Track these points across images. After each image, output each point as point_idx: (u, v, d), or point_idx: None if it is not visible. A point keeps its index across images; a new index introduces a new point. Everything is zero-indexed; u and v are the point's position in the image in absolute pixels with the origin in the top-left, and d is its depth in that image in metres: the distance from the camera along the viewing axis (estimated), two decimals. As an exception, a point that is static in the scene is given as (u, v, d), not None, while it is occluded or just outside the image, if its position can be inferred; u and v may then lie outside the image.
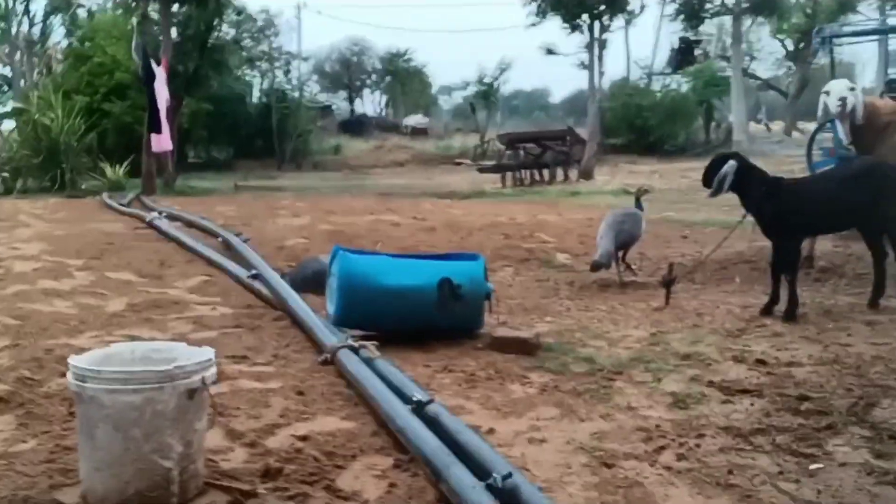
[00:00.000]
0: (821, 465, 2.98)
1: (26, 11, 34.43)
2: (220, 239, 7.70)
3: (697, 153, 29.81)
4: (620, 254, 6.91)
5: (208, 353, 2.62)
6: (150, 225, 8.97)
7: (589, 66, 25.70)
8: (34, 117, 19.75)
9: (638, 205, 7.22)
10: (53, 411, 3.32)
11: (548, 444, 3.18)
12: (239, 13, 26.80)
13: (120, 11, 26.82)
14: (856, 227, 5.91)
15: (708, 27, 37.74)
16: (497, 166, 21.38)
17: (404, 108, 52.57)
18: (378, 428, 3.22)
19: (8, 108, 30.67)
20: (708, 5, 25.11)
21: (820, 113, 6.66)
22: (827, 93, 6.40)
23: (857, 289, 6.27)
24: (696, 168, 22.36)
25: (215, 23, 20.62)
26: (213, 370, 2.58)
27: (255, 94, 35.75)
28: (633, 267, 7.19)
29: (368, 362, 3.83)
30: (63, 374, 2.84)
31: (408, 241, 8.90)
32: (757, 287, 6.68)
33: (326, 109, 45.12)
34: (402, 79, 50.36)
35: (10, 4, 33.47)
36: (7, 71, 35.59)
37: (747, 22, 27.92)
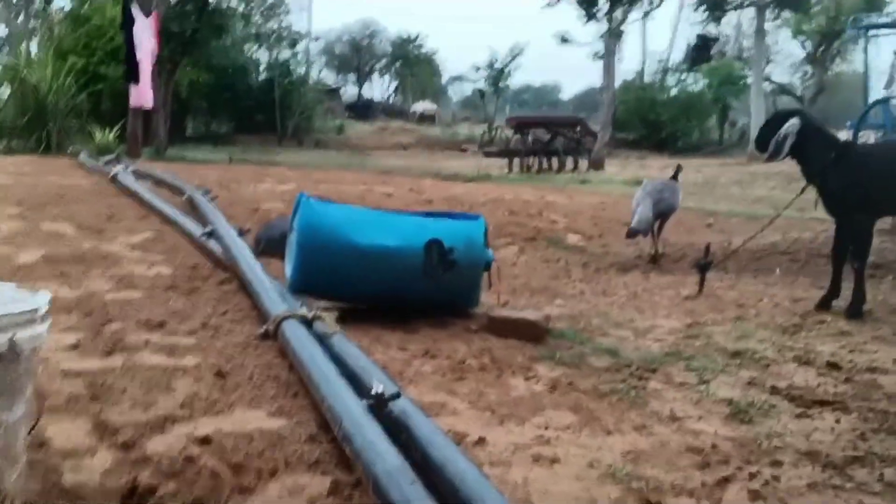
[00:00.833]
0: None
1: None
2: (185, 197, 6.70)
3: (711, 151, 28.82)
4: (656, 226, 6.25)
5: (38, 299, 1.65)
6: (113, 179, 7.98)
7: (605, 56, 24.67)
8: (21, 76, 18.85)
9: (675, 178, 6.48)
10: None
11: (561, 467, 2.21)
12: None
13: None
14: None
15: (725, 28, 36.65)
16: (504, 151, 20.33)
17: (413, 95, 51.64)
18: (318, 430, 2.25)
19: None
20: (731, -4, 23.96)
21: (886, 79, 5.63)
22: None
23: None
24: (710, 164, 21.42)
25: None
26: (40, 329, 1.61)
27: (261, 69, 34.79)
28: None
29: (322, 338, 2.86)
30: None
31: (401, 212, 7.90)
32: (803, 279, 5.70)
33: (334, 92, 44.31)
34: (412, 65, 49.43)
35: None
36: (2, 30, 34.53)
37: (770, 16, 26.77)
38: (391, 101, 53.26)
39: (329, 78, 48.67)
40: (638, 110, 32.30)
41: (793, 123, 4.44)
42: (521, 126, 20.68)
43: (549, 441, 2.39)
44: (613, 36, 24.89)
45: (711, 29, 34.88)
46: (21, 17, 32.57)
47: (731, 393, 2.96)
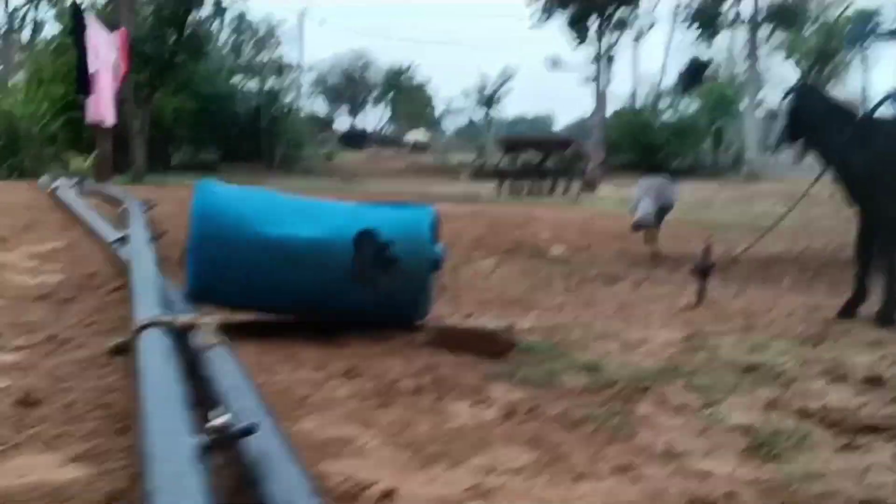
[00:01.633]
0: None
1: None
2: (121, 208, 5.99)
3: (706, 175, 28.35)
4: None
5: None
6: (52, 194, 7.28)
7: (596, 78, 24.29)
8: (-5, 102, 18.43)
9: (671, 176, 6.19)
10: None
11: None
12: (217, 6, 25.11)
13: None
14: None
15: (717, 54, 36.40)
16: (493, 172, 19.68)
17: (406, 125, 51.47)
18: (130, 484, 1.50)
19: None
20: (724, 15, 23.56)
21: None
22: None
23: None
24: (706, 187, 20.82)
25: (194, 6, 19.04)
26: None
27: (249, 97, 34.48)
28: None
29: (196, 353, 2.12)
30: None
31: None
32: (818, 287, 4.98)
33: (327, 122, 44.16)
34: (406, 95, 49.32)
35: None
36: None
37: (763, 36, 26.42)
38: (385, 131, 53.16)
39: (322, 108, 48.55)
40: (631, 134, 31.89)
41: (788, 100, 3.75)
42: (511, 146, 20.06)
43: (489, 492, 1.65)
44: (604, 59, 24.53)
45: (703, 52, 34.68)
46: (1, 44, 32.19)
47: (747, 418, 2.21)
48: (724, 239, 7.77)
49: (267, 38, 39.72)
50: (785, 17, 22.77)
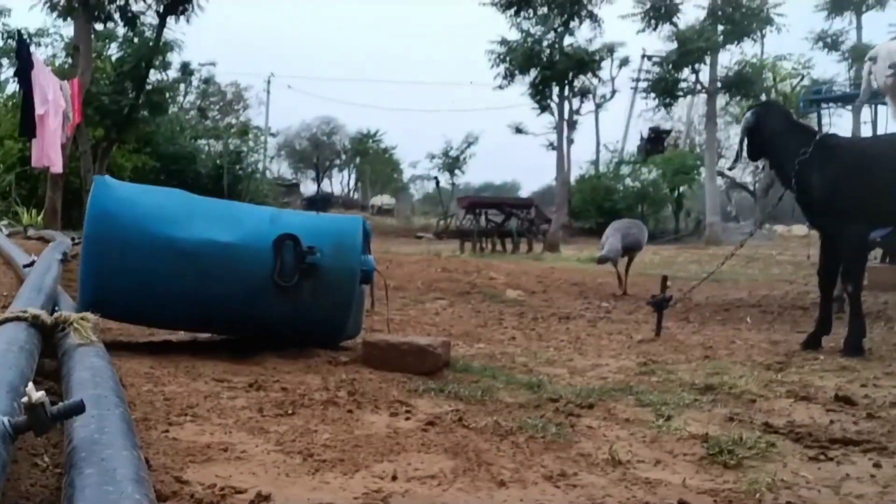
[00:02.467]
0: None
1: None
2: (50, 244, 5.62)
3: (667, 240, 28.62)
4: (625, 264, 6.78)
5: None
6: (-20, 234, 6.87)
7: (557, 147, 24.61)
8: (-57, 157, 18.05)
9: (642, 219, 6.12)
10: None
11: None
12: (185, 69, 25.12)
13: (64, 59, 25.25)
14: None
15: (677, 124, 37.27)
16: (456, 231, 19.52)
17: (372, 189, 51.68)
18: None
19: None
20: (683, 84, 24.07)
21: (864, 86, 4.83)
22: (873, 59, 4.58)
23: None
24: (667, 249, 20.93)
25: (156, 62, 18.89)
26: None
27: (212, 157, 34.37)
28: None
29: (64, 354, 1.79)
30: None
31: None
32: (780, 326, 4.75)
33: (293, 186, 44.20)
34: (372, 160, 49.67)
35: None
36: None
37: (721, 103, 27.04)
38: (351, 194, 53.34)
39: (289, 173, 48.57)
40: (594, 199, 32.24)
41: (746, 118, 3.59)
42: (472, 206, 19.99)
43: (387, 498, 1.33)
44: (566, 125, 24.86)
45: (664, 120, 35.53)
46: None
47: (704, 428, 1.92)
48: (683, 288, 7.61)
49: (234, 101, 39.92)
50: (741, 87, 23.30)
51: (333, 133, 50.70)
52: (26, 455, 1.41)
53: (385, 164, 51.53)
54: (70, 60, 19.70)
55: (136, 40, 18.06)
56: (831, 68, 44.46)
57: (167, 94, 20.97)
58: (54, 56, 24.44)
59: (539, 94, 24.14)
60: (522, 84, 23.10)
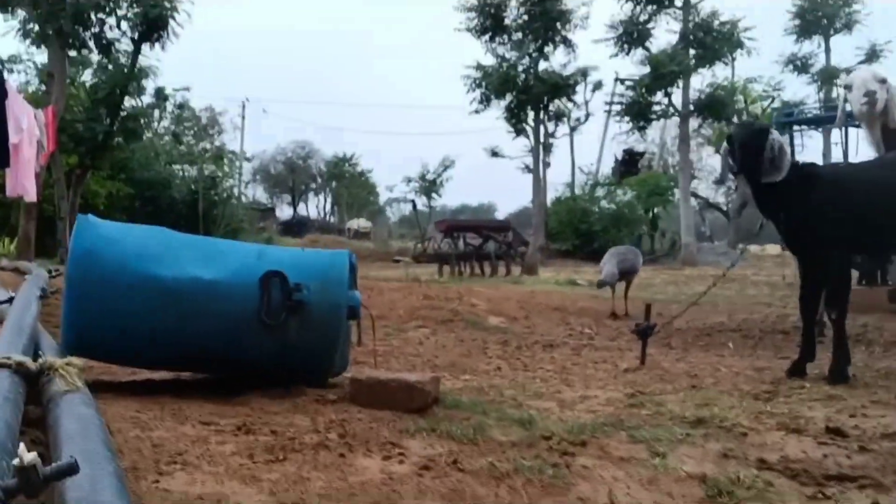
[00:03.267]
0: None
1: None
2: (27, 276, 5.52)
3: (644, 261, 28.76)
4: (623, 288, 7.35)
5: None
6: (-48, 266, 6.74)
7: (533, 170, 24.81)
8: None
9: (637, 245, 6.33)
10: None
11: None
12: (159, 94, 24.92)
13: (37, 86, 25.03)
14: None
15: (650, 146, 37.73)
16: (434, 255, 19.49)
17: (349, 213, 51.63)
18: None
19: None
20: (656, 107, 24.40)
21: (839, 113, 4.92)
22: (848, 87, 4.68)
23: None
24: (643, 271, 21.03)
25: (131, 89, 18.76)
26: None
27: (187, 182, 34.19)
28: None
29: (49, 401, 1.75)
30: None
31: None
32: (762, 352, 4.78)
33: (268, 210, 44.07)
34: (348, 184, 49.66)
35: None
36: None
37: (694, 126, 27.43)
38: (327, 218, 53.26)
39: (264, 197, 48.41)
40: (570, 221, 32.41)
41: (733, 138, 3.63)
42: (450, 229, 20.00)
43: (388, 553, 1.30)
44: (542, 148, 25.07)
45: (637, 142, 35.91)
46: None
47: (700, 468, 1.91)
48: (664, 311, 7.65)
49: (209, 126, 39.78)
50: (713, 109, 23.65)
51: (309, 157, 50.74)
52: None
53: (361, 188, 51.53)
54: (44, 87, 19.53)
55: (110, 67, 17.96)
56: (801, 90, 45.41)
57: (142, 121, 20.76)
58: (27, 83, 24.18)
59: (515, 117, 24.31)
60: (498, 108, 23.26)
